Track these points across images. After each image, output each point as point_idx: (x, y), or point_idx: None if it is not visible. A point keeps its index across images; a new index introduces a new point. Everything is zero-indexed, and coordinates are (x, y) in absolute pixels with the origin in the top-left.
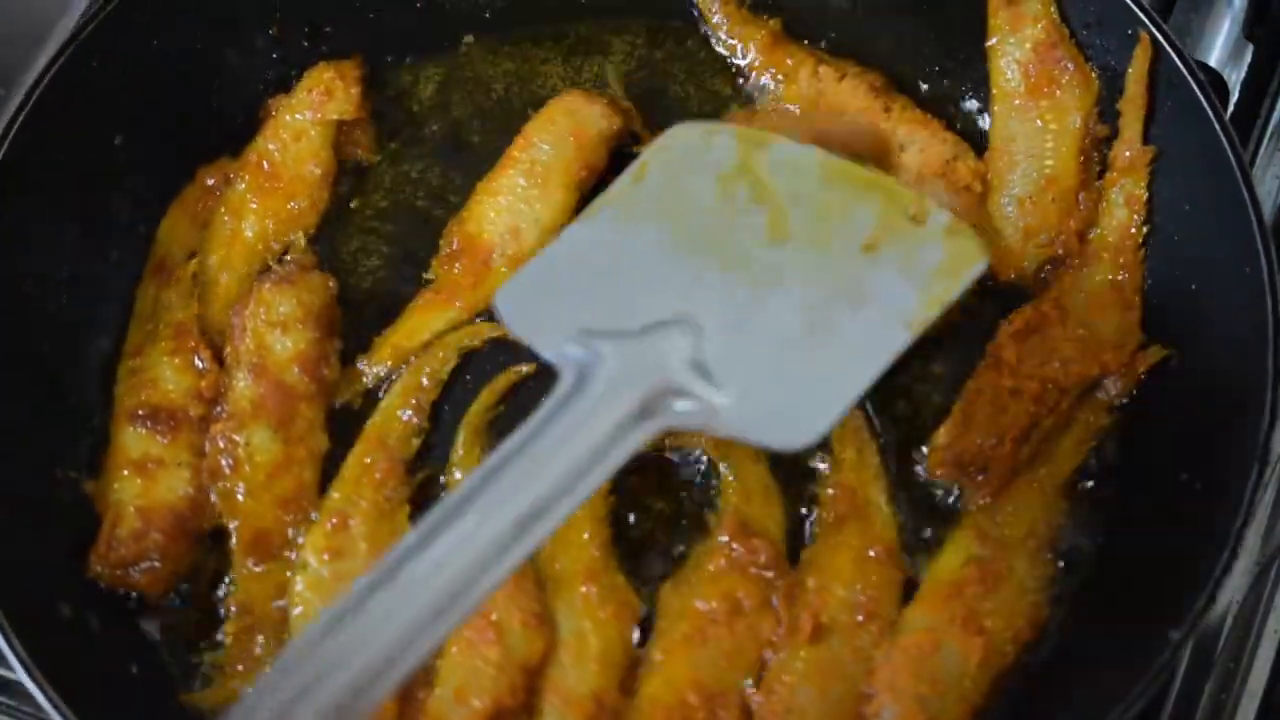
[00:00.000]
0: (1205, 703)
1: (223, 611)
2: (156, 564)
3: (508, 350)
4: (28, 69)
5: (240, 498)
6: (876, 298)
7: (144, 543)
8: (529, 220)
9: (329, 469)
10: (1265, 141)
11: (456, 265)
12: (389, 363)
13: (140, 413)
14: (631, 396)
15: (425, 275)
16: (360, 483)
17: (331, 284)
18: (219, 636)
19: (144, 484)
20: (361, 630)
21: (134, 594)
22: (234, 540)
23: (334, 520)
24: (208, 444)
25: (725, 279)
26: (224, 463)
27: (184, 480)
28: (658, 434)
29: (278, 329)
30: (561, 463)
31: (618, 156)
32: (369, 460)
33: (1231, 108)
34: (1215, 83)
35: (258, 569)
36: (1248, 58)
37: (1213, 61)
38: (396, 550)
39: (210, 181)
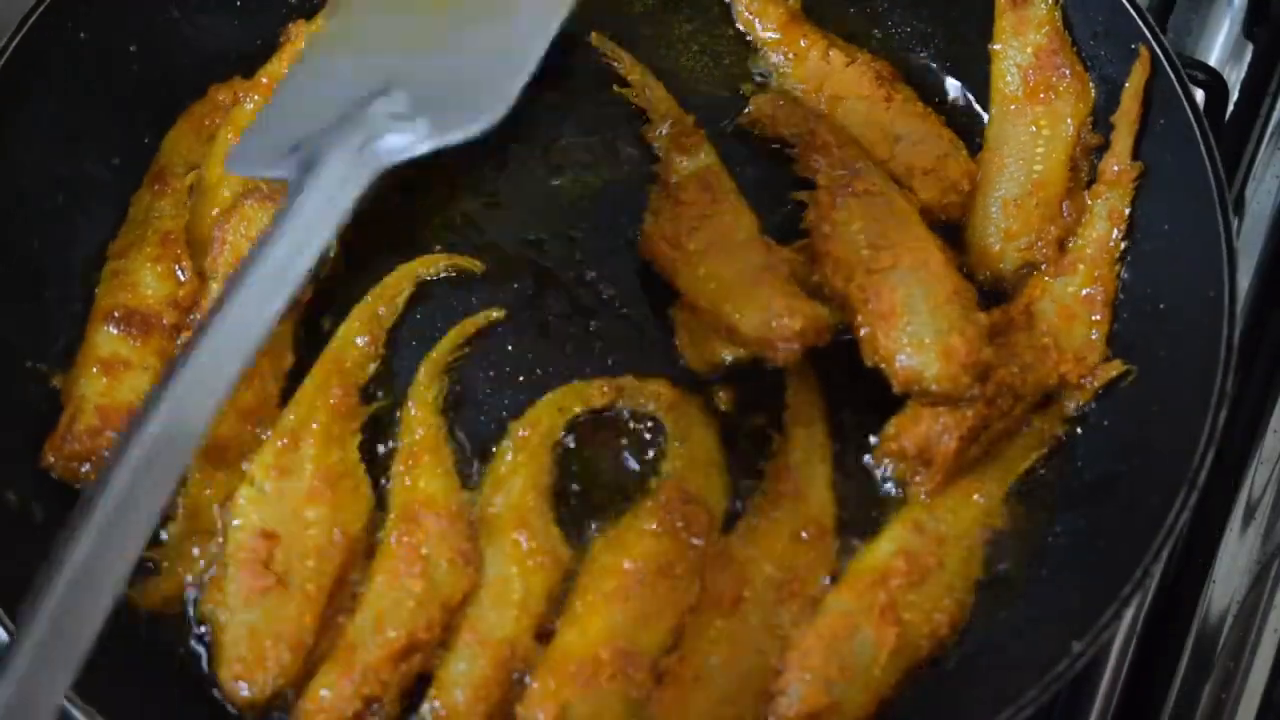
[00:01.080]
0: (1205, 702)
1: (167, 514)
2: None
3: (474, 289)
4: None
5: None
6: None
7: (99, 440)
8: None
9: (293, 386)
10: (1265, 141)
11: None
12: None
13: (116, 314)
14: (344, 159)
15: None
16: (315, 405)
17: None
18: (160, 534)
19: (109, 383)
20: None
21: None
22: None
23: (285, 440)
24: (176, 350)
25: (407, 48)
26: None
27: (148, 384)
28: (378, 172)
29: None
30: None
31: None
32: (325, 384)
33: (1231, 107)
34: (1215, 83)
35: (210, 475)
36: (1247, 57)
37: (1213, 61)
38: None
39: (221, 99)
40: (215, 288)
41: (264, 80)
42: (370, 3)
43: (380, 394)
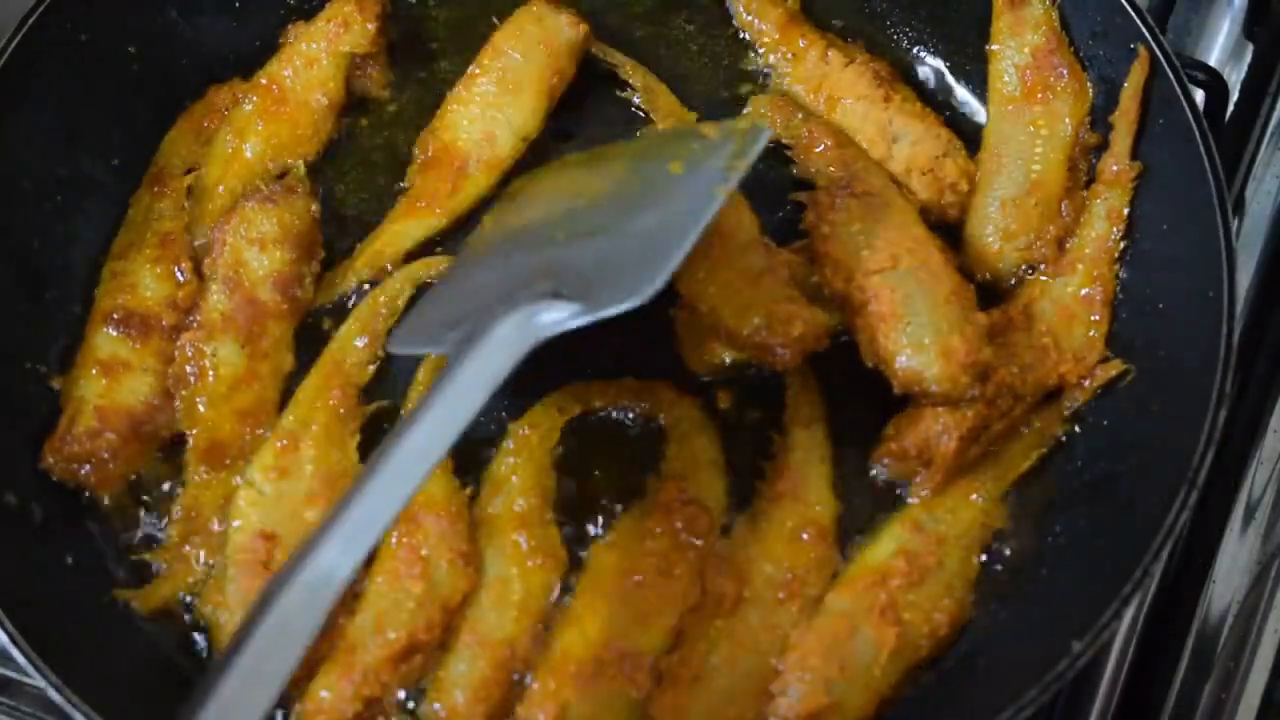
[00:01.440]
0: (1205, 702)
1: (166, 515)
2: (108, 463)
3: None
4: None
5: (201, 407)
6: (690, 189)
7: (98, 441)
8: (502, 126)
9: (293, 388)
10: (1265, 141)
11: (433, 173)
12: (368, 269)
13: (115, 315)
14: (503, 332)
15: (400, 184)
16: (314, 406)
17: (314, 208)
18: (160, 536)
19: (108, 384)
20: None
21: (82, 491)
22: (190, 447)
23: (284, 441)
24: (176, 352)
25: (566, 237)
26: (189, 370)
27: (147, 385)
28: (533, 345)
29: (256, 246)
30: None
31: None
32: (324, 385)
33: (1231, 107)
34: (1215, 83)
35: (209, 476)
36: (1248, 57)
37: (1213, 61)
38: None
39: (220, 100)
40: (215, 289)
41: (263, 81)
42: (531, 196)
43: (380, 395)
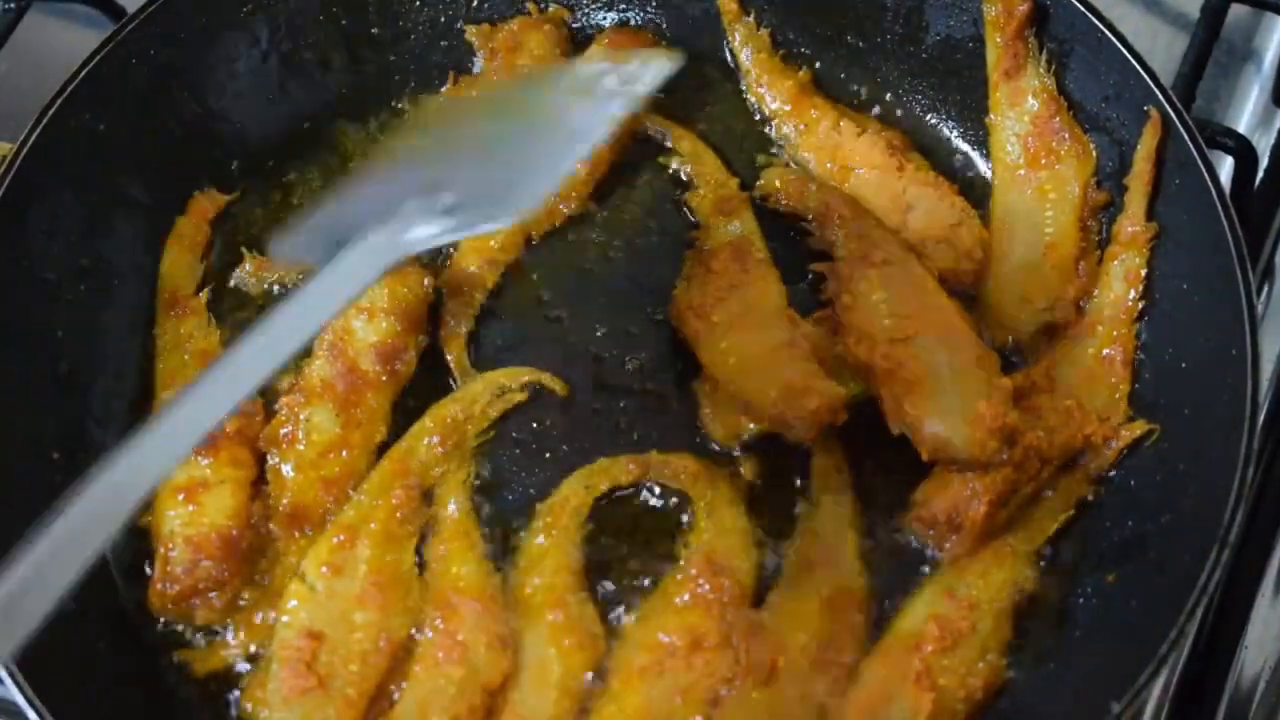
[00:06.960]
0: None
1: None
2: (213, 597)
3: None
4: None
5: (288, 473)
6: (585, 113)
7: (196, 573)
8: None
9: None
10: None
11: None
12: None
13: None
14: (368, 244)
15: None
16: (376, 504)
17: (426, 282)
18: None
19: (194, 510)
20: None
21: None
22: (274, 517)
23: (341, 536)
24: (276, 413)
25: (456, 155)
26: (283, 433)
27: (227, 496)
28: (398, 259)
29: (364, 314)
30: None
31: None
32: (389, 483)
33: (1260, 174)
34: (1244, 149)
35: (289, 542)
36: (1277, 124)
37: (1241, 128)
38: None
39: (205, 207)
40: (319, 355)
41: None
42: (430, 121)
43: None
